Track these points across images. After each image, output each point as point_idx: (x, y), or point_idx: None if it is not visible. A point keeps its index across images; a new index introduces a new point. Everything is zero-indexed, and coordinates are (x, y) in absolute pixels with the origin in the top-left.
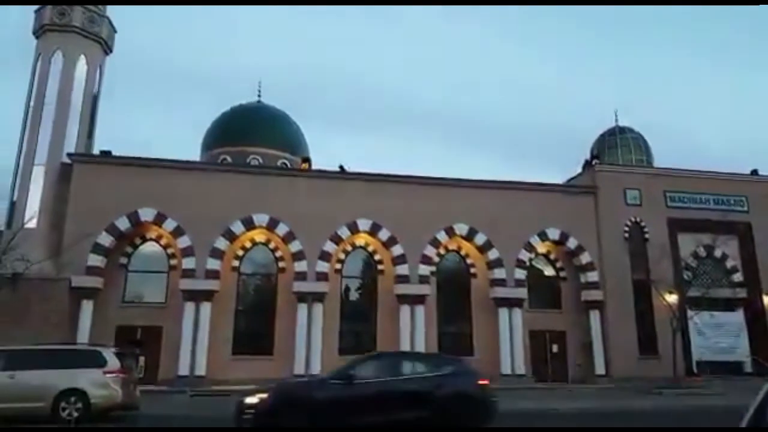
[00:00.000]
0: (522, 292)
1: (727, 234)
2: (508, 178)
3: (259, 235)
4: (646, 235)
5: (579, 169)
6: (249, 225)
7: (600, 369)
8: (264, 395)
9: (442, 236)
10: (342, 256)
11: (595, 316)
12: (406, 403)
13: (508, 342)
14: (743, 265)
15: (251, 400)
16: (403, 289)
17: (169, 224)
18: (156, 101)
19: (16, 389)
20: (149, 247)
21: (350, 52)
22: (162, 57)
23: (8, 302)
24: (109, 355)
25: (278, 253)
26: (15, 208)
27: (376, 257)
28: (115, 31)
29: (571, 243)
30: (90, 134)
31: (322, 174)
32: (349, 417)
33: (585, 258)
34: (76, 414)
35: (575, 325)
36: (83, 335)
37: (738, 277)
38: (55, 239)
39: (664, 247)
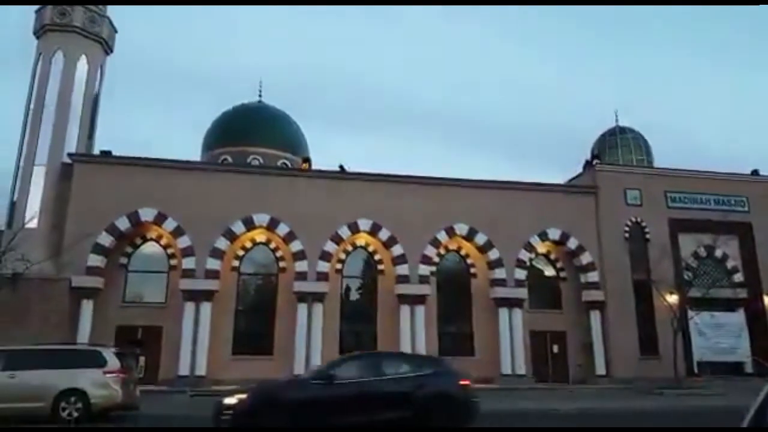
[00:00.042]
0: (522, 293)
1: (727, 234)
2: (508, 178)
3: (259, 235)
4: (647, 236)
5: (579, 169)
6: (249, 225)
7: (600, 369)
8: (243, 396)
9: (442, 236)
10: (342, 256)
11: (595, 317)
12: (387, 404)
13: (508, 342)
14: (744, 266)
15: (230, 400)
16: (403, 289)
17: (170, 224)
18: (156, 101)
19: (16, 389)
20: (149, 247)
21: (350, 52)
22: (162, 57)
23: (8, 302)
24: (109, 355)
25: (279, 253)
26: (15, 208)
27: (377, 257)
28: (116, 31)
29: (572, 243)
30: (90, 134)
31: (323, 174)
32: (329, 417)
33: (585, 258)
34: (76, 414)
35: (576, 326)
36: (83, 335)
37: (738, 277)
38: (56, 239)
39: (665, 247)
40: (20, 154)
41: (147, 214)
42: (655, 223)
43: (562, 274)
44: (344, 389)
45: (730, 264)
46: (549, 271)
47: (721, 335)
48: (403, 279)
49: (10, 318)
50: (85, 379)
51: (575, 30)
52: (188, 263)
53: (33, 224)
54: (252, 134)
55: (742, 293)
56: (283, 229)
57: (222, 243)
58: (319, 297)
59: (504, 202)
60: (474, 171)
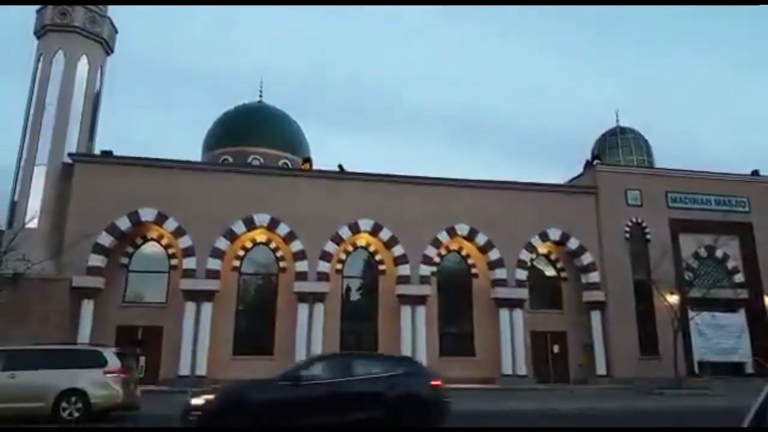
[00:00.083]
0: (523, 293)
1: (728, 234)
2: (509, 178)
3: (259, 235)
4: (647, 236)
5: (580, 170)
6: (250, 225)
7: (601, 369)
8: (210, 396)
9: (443, 236)
10: (343, 256)
11: (596, 317)
12: (357, 404)
13: (509, 342)
14: (744, 266)
15: (196, 401)
16: (404, 289)
17: (170, 224)
18: (157, 101)
19: (16, 389)
20: (150, 247)
21: (351, 52)
22: (163, 57)
23: (9, 302)
24: (110, 355)
25: (279, 253)
26: (16, 208)
27: (377, 257)
28: (117, 32)
29: (572, 243)
30: (91, 134)
31: (323, 174)
32: (297, 418)
33: (586, 258)
34: (76, 414)
35: (576, 326)
36: (84, 335)
37: (739, 277)
38: (56, 239)
39: (665, 247)
40: (21, 154)
41: (147, 214)
42: (655, 224)
43: (563, 275)
44: (313, 390)
45: (730, 264)
46: (550, 272)
47: (722, 335)
48: (403, 279)
49: (10, 318)
50: (85, 379)
51: (575, 30)
52: (189, 263)
53: (33, 224)
54: (252, 134)
55: (743, 293)
56: (283, 229)
57: (222, 243)
58: (319, 297)
59: (505, 203)
60: (475, 171)
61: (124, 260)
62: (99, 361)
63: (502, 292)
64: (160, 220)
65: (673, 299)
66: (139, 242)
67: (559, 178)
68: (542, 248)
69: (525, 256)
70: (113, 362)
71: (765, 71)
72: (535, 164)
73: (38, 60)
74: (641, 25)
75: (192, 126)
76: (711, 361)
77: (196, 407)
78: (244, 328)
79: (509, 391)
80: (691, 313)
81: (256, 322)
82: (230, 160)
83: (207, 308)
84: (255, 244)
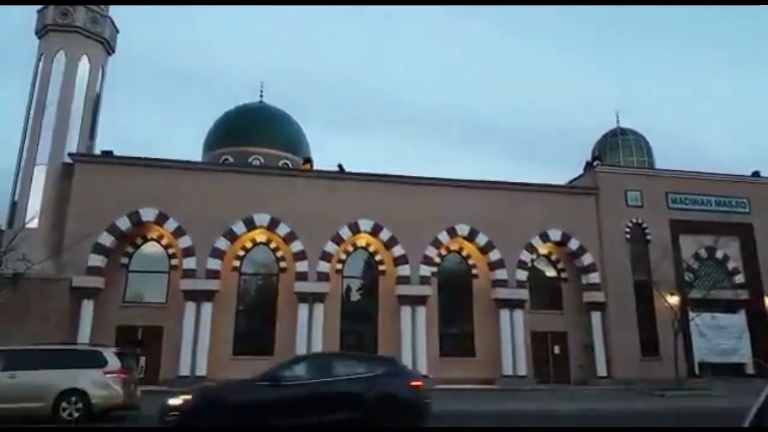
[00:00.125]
0: (523, 293)
1: (728, 235)
2: (509, 178)
3: (260, 235)
4: (648, 237)
5: (580, 170)
6: (250, 225)
7: (602, 370)
8: (187, 396)
9: (443, 237)
10: (343, 256)
11: (596, 318)
12: (336, 405)
13: (509, 343)
14: (745, 267)
15: (174, 401)
16: (404, 289)
17: (170, 224)
18: (158, 101)
19: (16, 389)
20: (150, 247)
21: (351, 52)
22: (164, 57)
23: (9, 302)
24: (110, 355)
25: (279, 253)
26: (16, 208)
27: (378, 258)
28: (118, 32)
29: (573, 244)
30: (91, 134)
31: (323, 174)
32: (275, 418)
33: (586, 259)
34: (76, 414)
35: (577, 327)
36: (84, 335)
37: (739, 278)
38: (56, 239)
39: (666, 248)
40: (21, 153)
41: (148, 214)
42: (656, 224)
43: (563, 275)
44: (292, 390)
45: (731, 265)
46: (550, 272)
47: (722, 336)
48: (404, 280)
49: (10, 318)
50: (85, 379)
51: (576, 31)
52: (189, 263)
53: (34, 224)
54: (253, 134)
55: (743, 294)
56: (283, 229)
57: (222, 243)
58: (319, 297)
59: (505, 203)
60: (475, 171)
61: (124, 260)
62: (99, 361)
63: (502, 293)
64: (161, 220)
65: (674, 300)
66: (139, 242)
67: (560, 178)
68: (543, 249)
69: (525, 256)
70: (113, 362)
71: (765, 72)
72: (536, 165)
73: (39, 60)
74: (642, 25)
75: (192, 126)
76: (711, 362)
77: (173, 407)
78: (244, 329)
79: (509, 392)
80: (691, 314)
81: (256, 323)
82: (231, 160)
83: (207, 308)
84: (255, 244)
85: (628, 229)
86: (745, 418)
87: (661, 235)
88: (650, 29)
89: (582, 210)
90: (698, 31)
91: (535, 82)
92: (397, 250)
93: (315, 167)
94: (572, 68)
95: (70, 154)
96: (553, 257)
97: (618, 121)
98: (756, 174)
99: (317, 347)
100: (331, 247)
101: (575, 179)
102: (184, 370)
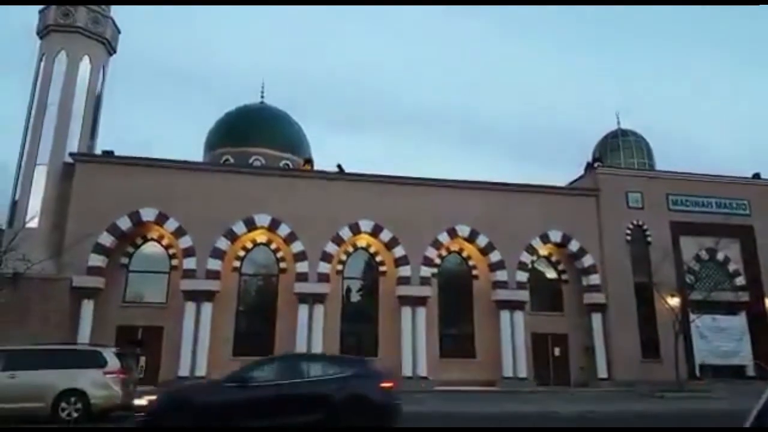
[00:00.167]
0: (524, 295)
1: (729, 237)
2: (509, 179)
3: (260, 236)
4: (648, 238)
5: (581, 172)
6: (250, 225)
7: (602, 372)
8: (152, 397)
9: (444, 238)
10: (343, 257)
11: (597, 319)
12: (304, 406)
13: (509, 345)
14: (745, 269)
15: (139, 401)
16: (404, 290)
17: (171, 224)
18: (158, 101)
19: (16, 389)
20: (150, 248)
21: (352, 52)
22: (165, 57)
23: (9, 302)
24: (110, 355)
25: (279, 254)
26: (17, 208)
27: (378, 258)
28: (119, 32)
29: (573, 245)
30: (92, 134)
31: (324, 175)
32: (242, 420)
33: (587, 261)
34: (75, 414)
35: (577, 328)
36: (84, 335)
37: (740, 280)
38: (57, 239)
39: (666, 250)
40: (22, 153)
41: (148, 214)
42: (656, 226)
43: (564, 277)
44: (259, 392)
45: (731, 267)
46: (550, 274)
47: (723, 338)
48: (404, 280)
49: (10, 318)
50: (85, 379)
51: (576, 31)
52: (189, 263)
53: (34, 224)
54: (254, 135)
55: (744, 296)
56: (284, 230)
57: (223, 243)
58: (319, 298)
59: (505, 204)
60: (476, 172)
61: (125, 260)
62: (99, 362)
63: (502, 294)
64: (161, 220)
65: (674, 302)
66: (140, 242)
67: (560, 179)
68: (543, 250)
69: (526, 258)
70: (113, 362)
71: (765, 72)
72: (536, 165)
73: (40, 60)
74: (643, 26)
75: (193, 126)
76: (712, 364)
77: (140, 408)
78: (244, 329)
79: (509, 394)
80: (692, 316)
81: (256, 323)
82: (231, 160)
83: (207, 309)
84: (255, 244)
85: (628, 231)
86: (745, 420)
87: (662, 237)
88: (650, 29)
89: (582, 211)
90: (698, 31)
91: (535, 83)
92: (398, 251)
93: (315, 167)
94: (572, 68)
95: (70, 154)
96: (554, 259)
97: (618, 123)
98: (756, 176)
99: (317, 348)
100: (331, 247)
101: (576, 180)
102: (184, 371)
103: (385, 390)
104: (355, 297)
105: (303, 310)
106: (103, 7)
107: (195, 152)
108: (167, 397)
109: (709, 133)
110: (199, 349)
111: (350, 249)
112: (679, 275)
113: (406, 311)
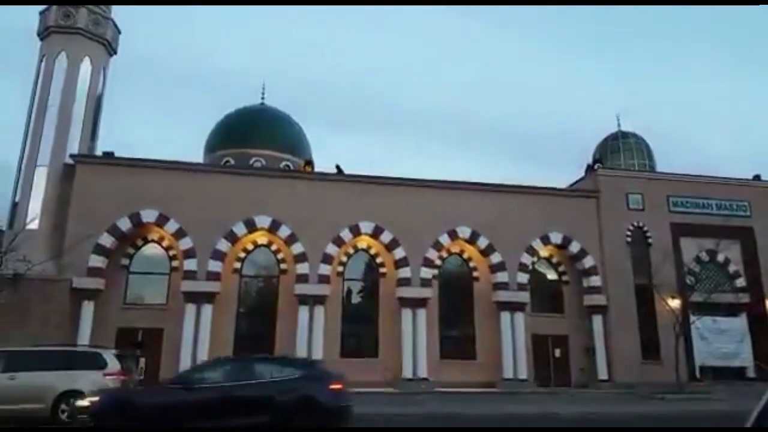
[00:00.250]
0: (524, 296)
1: (729, 238)
2: (509, 180)
3: (260, 237)
4: (649, 240)
5: (581, 173)
6: (251, 227)
7: (602, 374)
8: (95, 398)
9: (444, 239)
10: (344, 258)
11: (597, 321)
12: (249, 408)
13: (510, 346)
14: (746, 270)
15: (81, 402)
16: (405, 292)
17: (171, 226)
18: (159, 103)
19: (16, 390)
20: (151, 249)
21: (352, 53)
22: (165, 58)
23: (9, 303)
24: (109, 356)
25: (280, 256)
26: (17, 209)
27: (378, 260)
28: (120, 33)
29: (574, 247)
30: (93, 136)
31: (324, 176)
32: (187, 421)
33: (587, 262)
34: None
35: (578, 330)
36: (84, 336)
37: (741, 281)
38: (57, 240)
39: (667, 251)
40: (22, 155)
41: (148, 216)
42: (657, 228)
43: (564, 278)
44: (203, 394)
45: (732, 268)
46: (551, 275)
47: (723, 340)
48: (404, 282)
49: (10, 319)
50: (85, 380)
51: (576, 31)
52: (189, 265)
53: (34, 225)
54: (254, 136)
55: (744, 298)
56: (284, 231)
57: (223, 245)
58: (320, 299)
59: (506, 206)
60: (476, 174)
61: (125, 261)
62: (98, 363)
63: (503, 296)
64: (161, 221)
65: (675, 303)
66: (140, 244)
67: (561, 181)
68: (543, 252)
69: (526, 259)
70: (113, 364)
71: (765, 72)
72: (536, 167)
73: (41, 61)
74: (643, 28)
75: (194, 127)
76: (712, 366)
77: (82, 408)
78: (244, 331)
79: (510, 395)
80: (692, 318)
81: (256, 325)
82: (232, 161)
83: (207, 310)
84: (256, 246)
85: (629, 232)
86: (746, 421)
87: (662, 239)
88: (650, 30)
89: (583, 213)
90: (698, 31)
91: (536, 83)
92: (398, 253)
93: (316, 169)
94: (573, 69)
95: (71, 155)
96: (554, 260)
97: (619, 125)
98: (757, 177)
99: (317, 349)
100: (331, 249)
101: (576, 182)
102: None
103: (335, 392)
104: (355, 298)
105: (303, 311)
106: (103, 8)
107: (195, 154)
108: (109, 398)
109: (709, 134)
110: (199, 350)
111: (351, 250)
112: (679, 277)
113: (407, 313)
